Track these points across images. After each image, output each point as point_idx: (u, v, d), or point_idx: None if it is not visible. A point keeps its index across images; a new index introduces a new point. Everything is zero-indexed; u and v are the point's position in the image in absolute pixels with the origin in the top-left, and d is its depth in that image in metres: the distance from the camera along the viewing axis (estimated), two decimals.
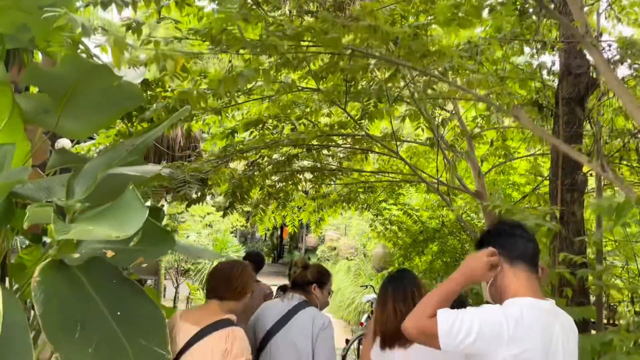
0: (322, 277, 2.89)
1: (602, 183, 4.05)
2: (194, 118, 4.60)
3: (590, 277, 3.15)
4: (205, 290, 2.55)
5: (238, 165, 5.91)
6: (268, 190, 6.23)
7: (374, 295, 7.52)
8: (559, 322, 1.72)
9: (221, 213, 13.48)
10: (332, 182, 6.31)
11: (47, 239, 2.55)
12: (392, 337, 2.26)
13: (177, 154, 5.05)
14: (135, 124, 3.96)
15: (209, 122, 5.41)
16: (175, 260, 10.35)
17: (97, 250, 2.10)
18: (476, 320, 1.62)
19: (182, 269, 10.33)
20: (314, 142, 5.53)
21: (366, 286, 7.89)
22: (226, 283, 2.47)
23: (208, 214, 10.66)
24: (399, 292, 2.35)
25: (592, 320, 3.46)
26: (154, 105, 3.74)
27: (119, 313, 1.91)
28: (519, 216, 3.35)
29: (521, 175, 5.56)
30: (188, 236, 10.94)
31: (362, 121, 4.68)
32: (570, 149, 2.75)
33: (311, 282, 2.81)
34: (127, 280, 2.12)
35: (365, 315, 7.12)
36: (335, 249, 13.32)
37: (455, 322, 1.61)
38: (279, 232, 27.53)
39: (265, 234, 31.00)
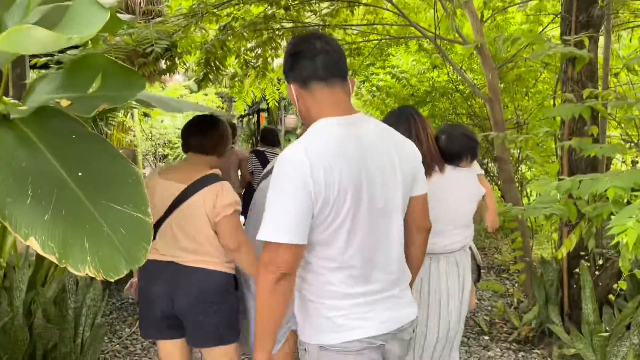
0: None
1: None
2: None
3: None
4: (182, 145, 2.27)
5: (210, 32, 5.25)
6: (244, 57, 5.66)
7: None
8: (372, 137, 1.52)
9: (196, 95, 12.83)
10: None
11: None
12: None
13: (137, 17, 4.41)
14: None
15: None
16: (152, 146, 9.93)
17: (49, 100, 1.67)
18: None
19: (160, 154, 9.95)
20: None
21: None
22: (208, 135, 2.25)
23: (181, 96, 10.05)
24: (401, 124, 2.16)
25: None
26: None
27: (80, 173, 1.53)
28: (538, 46, 2.98)
29: (523, 24, 5.06)
30: (162, 120, 10.41)
31: None
32: None
33: None
34: (91, 135, 1.71)
35: None
36: None
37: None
38: (255, 118, 26.95)
39: (242, 120, 30.47)
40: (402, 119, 2.23)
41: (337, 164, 1.43)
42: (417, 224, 1.68)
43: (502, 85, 5.49)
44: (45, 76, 1.77)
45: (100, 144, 1.67)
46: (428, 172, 1.99)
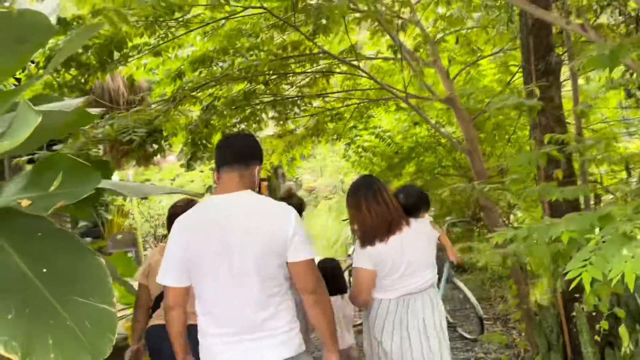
0: (301, 206, 3.33)
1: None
2: (129, 60, 4.11)
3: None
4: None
5: (192, 113, 5.45)
6: (229, 132, 5.84)
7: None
8: (240, 209, 1.94)
9: (192, 173, 13.05)
10: (296, 115, 5.93)
11: None
12: (371, 235, 2.49)
13: (121, 106, 4.61)
14: (61, 72, 3.50)
15: (152, 67, 4.93)
16: (151, 227, 10.01)
17: (10, 201, 1.75)
18: None
19: (159, 235, 10.01)
20: (269, 72, 5.14)
21: (345, 220, 7.70)
22: None
23: (177, 175, 10.24)
24: (369, 193, 2.55)
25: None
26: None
27: (44, 270, 1.58)
28: (498, 100, 3.10)
29: (490, 80, 5.26)
30: (160, 201, 10.55)
31: (316, 37, 4.26)
32: (545, 12, 2.45)
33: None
34: (57, 231, 1.78)
35: (352, 248, 6.95)
36: (312, 191, 13.08)
37: None
38: (257, 189, 27.30)
39: None
40: (370, 188, 2.58)
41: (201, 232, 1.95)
42: (300, 286, 1.98)
43: (483, 135, 5.62)
44: (14, 178, 1.87)
45: (65, 240, 1.73)
46: (399, 227, 2.52)
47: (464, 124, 4.61)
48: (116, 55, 3.87)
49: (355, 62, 4.48)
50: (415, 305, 2.56)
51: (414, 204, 2.70)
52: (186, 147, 5.70)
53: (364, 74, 4.45)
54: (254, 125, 5.95)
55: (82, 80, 3.65)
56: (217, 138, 5.93)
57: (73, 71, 3.51)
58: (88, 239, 12.73)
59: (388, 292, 2.55)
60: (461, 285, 4.77)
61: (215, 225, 1.91)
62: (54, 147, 3.57)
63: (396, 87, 5.43)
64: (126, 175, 11.29)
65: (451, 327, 5.13)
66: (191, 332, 2.04)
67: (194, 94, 4.90)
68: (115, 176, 12.01)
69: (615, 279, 1.68)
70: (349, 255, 6.71)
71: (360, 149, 6.79)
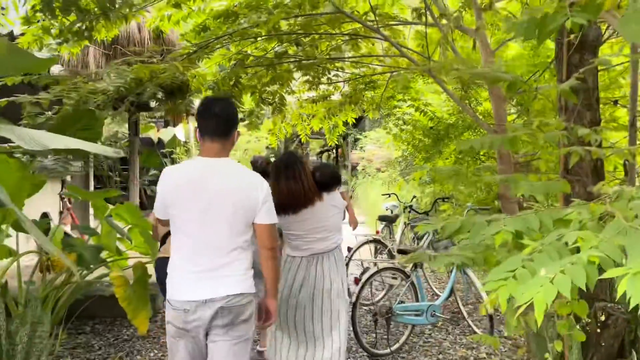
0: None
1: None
2: (134, 9, 4.04)
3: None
4: None
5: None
6: (260, 94, 5.71)
7: (394, 203, 7.00)
8: (219, 171, 2.29)
9: (258, 132, 13.16)
10: (330, 81, 5.66)
11: None
12: (282, 207, 2.91)
13: (145, 59, 4.62)
14: (59, 17, 3.50)
15: (178, 19, 4.86)
16: None
17: None
18: None
19: None
20: (299, 30, 4.89)
21: (388, 195, 7.36)
22: None
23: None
24: (287, 171, 3.06)
25: None
26: None
27: None
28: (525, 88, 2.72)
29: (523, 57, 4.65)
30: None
31: None
32: None
33: None
34: None
35: (382, 225, 6.66)
36: (371, 162, 12.74)
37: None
38: (334, 153, 27.20)
39: (321, 156, 30.90)
40: (287, 167, 3.08)
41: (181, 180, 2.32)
42: (260, 243, 2.36)
43: (525, 118, 5.05)
44: None
45: None
46: (312, 201, 3.05)
47: (496, 102, 4.12)
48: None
49: (376, 26, 4.11)
50: (322, 263, 3.11)
51: (327, 181, 3.19)
52: None
53: (381, 37, 4.07)
54: (286, 88, 5.79)
55: (85, 27, 3.63)
56: (247, 99, 5.86)
57: (72, 17, 3.50)
58: (153, 187, 13.50)
59: (297, 251, 3.13)
60: (473, 277, 4.38)
61: (193, 181, 2.27)
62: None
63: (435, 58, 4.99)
64: (188, 130, 11.64)
65: (460, 317, 4.77)
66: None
67: (218, 47, 4.79)
68: (179, 130, 12.43)
69: (522, 307, 1.34)
70: (377, 232, 6.43)
71: (400, 122, 6.39)
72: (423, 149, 6.38)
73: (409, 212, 6.00)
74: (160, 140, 12.85)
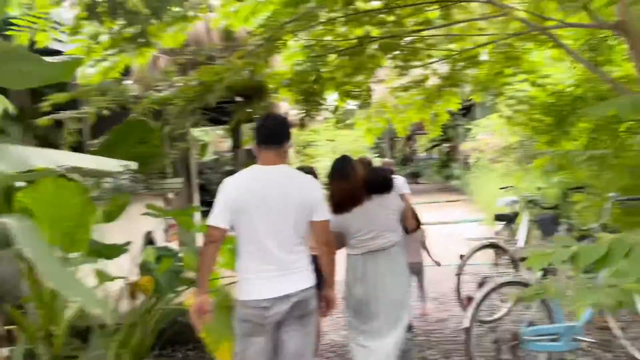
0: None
1: None
2: (196, 7, 3.65)
3: None
4: None
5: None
6: (344, 87, 5.10)
7: (513, 197, 5.99)
8: (277, 177, 2.49)
9: (349, 132, 12.57)
10: (422, 62, 4.90)
11: None
12: (339, 206, 3.15)
13: (216, 62, 4.27)
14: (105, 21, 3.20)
15: (246, 14, 4.42)
16: None
17: None
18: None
19: None
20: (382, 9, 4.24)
21: (505, 188, 6.33)
22: None
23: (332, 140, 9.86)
24: (338, 173, 3.26)
25: None
26: None
27: None
28: None
29: None
30: (318, 161, 10.36)
31: None
32: None
33: None
34: None
35: (500, 224, 5.67)
36: (485, 152, 11.49)
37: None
38: (445, 146, 25.68)
39: (431, 150, 29.40)
40: (338, 169, 3.27)
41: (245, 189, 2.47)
42: (319, 240, 2.56)
43: None
44: None
45: None
46: (360, 200, 3.17)
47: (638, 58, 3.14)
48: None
49: None
50: (377, 261, 3.16)
51: (376, 185, 3.29)
52: (299, 106, 5.17)
53: None
54: (372, 77, 5.12)
55: (140, 32, 3.30)
56: (329, 93, 5.29)
57: (121, 21, 3.18)
58: None
59: (355, 249, 3.22)
60: None
61: (257, 187, 2.43)
62: None
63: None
64: None
65: (612, 337, 3.74)
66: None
67: (290, 39, 4.28)
68: None
69: None
70: (496, 234, 5.49)
71: (513, 101, 5.42)
72: (544, 130, 5.34)
73: (533, 207, 5.00)
74: None
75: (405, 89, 5.32)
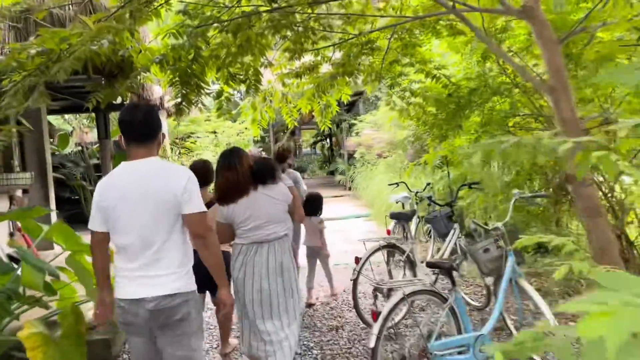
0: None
1: None
2: None
3: None
4: None
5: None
6: (228, 69, 4.48)
7: (405, 194, 5.79)
8: (142, 170, 2.34)
9: (234, 125, 11.82)
10: (315, 47, 4.43)
11: None
12: (225, 197, 3.22)
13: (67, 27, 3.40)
14: None
15: None
16: None
17: None
18: None
19: None
20: None
21: (396, 184, 6.12)
22: None
23: (214, 132, 9.11)
24: (225, 163, 3.27)
25: None
26: None
27: None
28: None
29: None
30: (199, 154, 9.54)
31: None
32: None
33: None
34: None
35: (392, 223, 5.44)
36: (371, 147, 11.48)
37: None
38: (328, 142, 25.81)
39: (315, 147, 29.55)
40: (226, 159, 3.28)
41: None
42: (192, 233, 2.43)
43: (578, 70, 3.86)
44: None
45: None
46: (246, 192, 3.22)
47: (547, 49, 2.94)
48: None
49: None
50: (262, 252, 3.17)
51: (261, 174, 3.27)
52: (173, 89, 4.44)
53: None
54: (261, 60, 4.56)
55: None
56: (211, 74, 4.63)
57: None
58: None
59: (241, 239, 3.22)
60: (529, 288, 3.23)
61: (121, 183, 2.33)
62: None
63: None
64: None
65: None
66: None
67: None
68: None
69: None
70: (388, 232, 5.23)
71: (407, 94, 5.18)
72: (436, 124, 5.16)
73: (429, 204, 4.78)
74: None
75: (297, 74, 4.83)
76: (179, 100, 4.49)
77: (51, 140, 12.16)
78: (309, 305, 4.97)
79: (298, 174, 5.44)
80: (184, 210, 2.32)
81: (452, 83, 4.72)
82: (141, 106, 2.45)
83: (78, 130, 12.02)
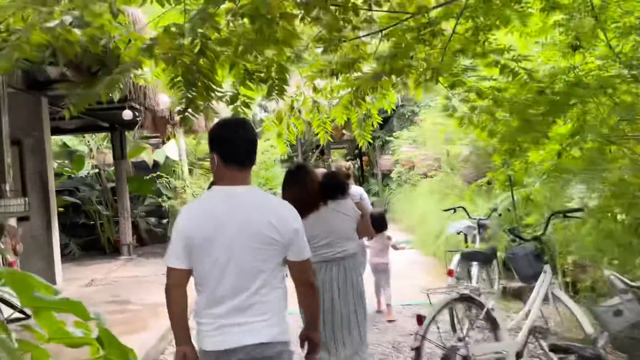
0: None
1: None
2: None
3: None
4: None
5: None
6: (246, 66, 3.47)
7: (468, 223, 4.64)
8: (240, 199, 2.05)
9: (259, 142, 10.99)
10: (355, 34, 3.40)
11: None
12: None
13: None
14: None
15: None
16: None
17: None
18: None
19: None
20: None
21: (453, 209, 4.96)
22: None
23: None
24: (293, 179, 3.24)
25: None
26: None
27: None
28: None
29: None
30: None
31: None
32: None
33: None
34: None
35: (456, 258, 4.23)
36: (412, 167, 10.30)
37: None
38: (359, 163, 24.57)
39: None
40: (293, 175, 3.27)
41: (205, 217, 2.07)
42: (298, 279, 2.17)
43: None
44: None
45: None
46: (315, 207, 3.17)
47: None
48: None
49: None
50: (331, 271, 3.15)
51: (331, 189, 3.26)
52: (176, 92, 3.45)
53: None
54: (288, 54, 3.55)
55: None
56: (223, 74, 3.64)
57: None
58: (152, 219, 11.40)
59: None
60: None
61: (218, 215, 2.02)
62: None
63: None
64: (178, 143, 9.47)
65: None
66: None
67: None
68: (170, 147, 10.32)
69: None
70: (451, 273, 4.08)
71: (472, 95, 4.08)
72: (509, 134, 4.05)
73: (512, 239, 3.61)
74: (156, 163, 10.77)
75: (332, 72, 3.78)
76: (183, 106, 3.51)
77: (65, 162, 11.47)
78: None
79: (363, 190, 5.26)
80: (291, 256, 2.08)
81: (537, 80, 3.60)
82: (246, 123, 2.20)
83: (95, 151, 11.28)
